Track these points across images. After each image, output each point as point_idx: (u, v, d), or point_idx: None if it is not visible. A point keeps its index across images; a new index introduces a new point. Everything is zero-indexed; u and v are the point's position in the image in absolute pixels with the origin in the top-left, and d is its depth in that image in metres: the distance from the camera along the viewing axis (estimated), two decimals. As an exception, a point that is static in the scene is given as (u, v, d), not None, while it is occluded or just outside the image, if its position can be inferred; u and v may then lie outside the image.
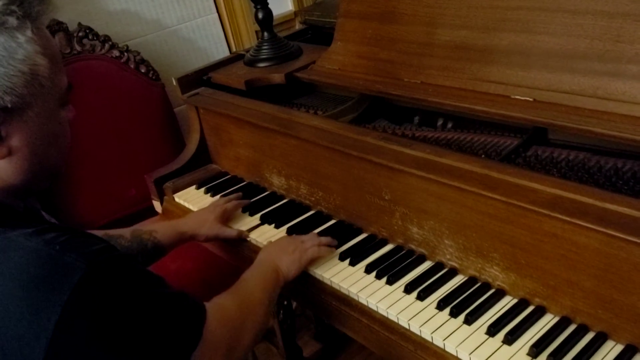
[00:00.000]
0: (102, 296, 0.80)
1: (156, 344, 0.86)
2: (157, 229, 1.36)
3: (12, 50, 0.80)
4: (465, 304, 1.06)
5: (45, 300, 0.77)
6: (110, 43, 2.03)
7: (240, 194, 1.55)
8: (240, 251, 1.44)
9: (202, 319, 0.94)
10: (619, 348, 0.93)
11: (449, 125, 1.38)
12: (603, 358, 0.92)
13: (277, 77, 1.62)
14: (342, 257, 1.25)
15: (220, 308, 1.00)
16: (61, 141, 0.91)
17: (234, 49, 2.43)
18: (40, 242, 0.80)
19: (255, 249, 1.40)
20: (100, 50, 2.02)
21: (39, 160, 0.88)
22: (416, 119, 1.44)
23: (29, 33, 0.82)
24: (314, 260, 1.25)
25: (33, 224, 0.84)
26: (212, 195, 1.60)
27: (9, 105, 0.81)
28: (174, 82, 1.73)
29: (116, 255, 0.85)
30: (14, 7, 0.81)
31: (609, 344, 0.94)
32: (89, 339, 0.78)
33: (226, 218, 1.44)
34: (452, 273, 1.14)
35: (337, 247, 1.29)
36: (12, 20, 0.81)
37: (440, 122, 1.40)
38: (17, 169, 0.86)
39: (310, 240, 1.25)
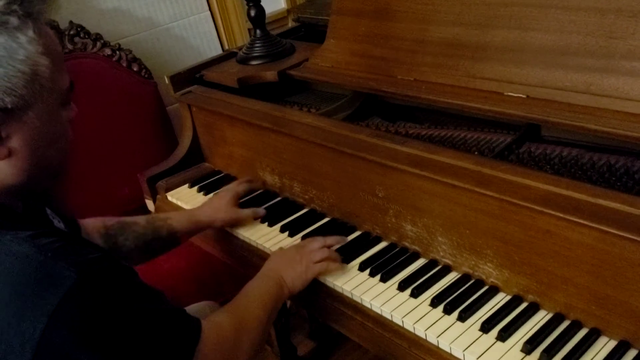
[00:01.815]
0: (90, 307, 0.78)
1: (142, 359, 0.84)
2: (172, 216, 1.36)
3: (13, 50, 0.79)
4: (459, 301, 1.06)
5: (33, 308, 0.75)
6: (101, 41, 2.02)
7: (249, 178, 1.54)
8: (234, 250, 1.44)
9: (196, 338, 0.92)
10: (613, 344, 0.93)
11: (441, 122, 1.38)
12: (596, 354, 0.92)
13: (270, 75, 1.62)
14: (335, 255, 1.25)
15: (216, 327, 0.98)
16: (62, 141, 0.90)
17: (226, 47, 2.42)
18: (33, 248, 0.79)
19: (248, 247, 1.40)
20: (92, 48, 2.00)
21: (39, 160, 0.86)
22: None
23: (30, 33, 0.81)
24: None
25: (30, 227, 0.83)
26: (205, 194, 1.59)
27: (9, 106, 0.80)
28: (167, 81, 1.72)
29: (111, 267, 0.83)
30: (15, 7, 0.80)
31: (603, 339, 0.94)
32: (74, 351, 0.76)
33: (238, 200, 1.43)
34: (446, 270, 1.14)
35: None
36: (13, 20, 0.79)
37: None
38: (17, 170, 0.85)
39: (320, 253, 1.20)
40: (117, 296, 0.82)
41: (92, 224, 1.28)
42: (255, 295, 1.11)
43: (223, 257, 1.51)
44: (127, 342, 0.81)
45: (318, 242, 1.23)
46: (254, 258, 1.38)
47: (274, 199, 1.51)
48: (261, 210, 1.41)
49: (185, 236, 1.36)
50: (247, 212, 1.41)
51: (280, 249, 1.27)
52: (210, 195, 1.58)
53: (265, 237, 1.37)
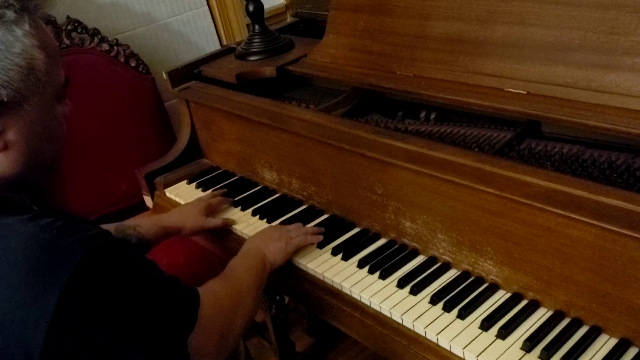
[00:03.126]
0: (100, 279, 0.80)
1: (153, 327, 0.86)
2: (140, 223, 1.36)
3: (9, 43, 0.80)
4: (458, 298, 1.05)
5: (44, 285, 0.77)
6: (99, 36, 2.01)
7: (225, 190, 1.55)
8: (233, 246, 1.43)
9: (197, 304, 0.94)
10: (613, 342, 0.92)
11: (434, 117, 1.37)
12: (597, 352, 0.91)
13: (269, 71, 1.61)
14: (334, 252, 1.24)
15: (212, 294, 1.01)
16: (57, 136, 0.92)
17: (224, 43, 2.41)
18: (37, 227, 0.81)
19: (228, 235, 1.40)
20: (90, 43, 1.99)
21: (34, 154, 0.88)
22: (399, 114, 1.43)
23: (26, 27, 0.82)
24: (305, 254, 1.25)
25: (30, 211, 0.85)
26: (204, 190, 1.59)
27: (5, 99, 0.81)
28: (165, 76, 1.71)
29: (112, 240, 0.86)
30: (12, 1, 0.81)
31: (603, 337, 0.93)
32: (88, 322, 0.79)
33: (210, 212, 1.44)
34: (446, 267, 1.14)
35: (330, 241, 1.27)
36: (10, 14, 0.81)
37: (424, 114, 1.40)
38: (12, 163, 0.86)
39: (296, 230, 1.26)
40: (123, 266, 0.85)
41: None
42: (243, 267, 1.15)
43: (221, 254, 1.50)
44: (136, 309, 0.84)
45: (295, 224, 1.30)
46: (232, 243, 1.38)
47: (272, 195, 1.50)
48: (232, 221, 1.42)
49: (155, 243, 1.36)
50: (216, 221, 1.41)
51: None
52: (209, 191, 1.57)
53: (247, 226, 1.37)
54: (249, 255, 1.19)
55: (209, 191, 1.57)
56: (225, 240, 1.45)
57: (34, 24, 0.83)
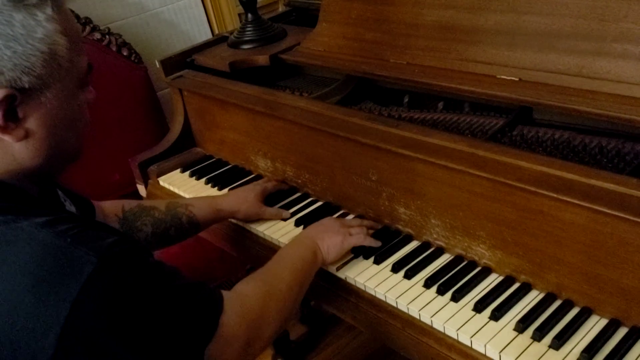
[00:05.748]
0: (113, 290, 0.77)
1: (168, 338, 0.83)
2: (193, 203, 1.32)
3: (31, 28, 0.77)
4: (452, 282, 1.07)
5: (55, 295, 0.75)
6: (91, 26, 2.00)
7: (280, 179, 1.50)
8: (226, 233, 1.44)
9: (218, 311, 0.90)
10: (604, 322, 0.94)
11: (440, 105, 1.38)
12: (588, 332, 0.93)
13: (262, 59, 1.61)
14: (329, 238, 1.25)
15: (240, 298, 0.96)
16: (79, 124, 0.89)
17: (216, 32, 2.40)
18: (52, 234, 0.78)
19: (241, 231, 1.40)
20: (81, 32, 1.98)
21: (56, 143, 0.85)
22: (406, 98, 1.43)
23: (49, 11, 0.79)
24: None
25: (46, 212, 0.82)
26: (197, 179, 1.59)
27: (27, 86, 0.78)
28: (158, 65, 1.71)
29: (128, 249, 0.82)
30: None
31: (594, 318, 0.95)
32: (99, 334, 0.76)
33: (265, 197, 1.40)
34: (439, 252, 1.15)
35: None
36: None
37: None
38: (33, 152, 0.83)
39: (357, 226, 1.20)
40: (138, 277, 0.81)
41: (110, 207, 1.27)
42: (287, 262, 1.09)
43: (215, 241, 1.51)
44: (151, 322, 0.81)
45: (356, 220, 1.25)
46: (247, 241, 1.39)
47: (267, 183, 1.51)
48: (286, 213, 1.37)
49: (206, 225, 1.33)
50: (272, 211, 1.36)
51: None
52: (202, 180, 1.58)
53: (258, 221, 1.37)
54: (300, 247, 1.13)
55: (204, 179, 1.57)
56: (220, 227, 1.45)
57: (56, 9, 0.80)
